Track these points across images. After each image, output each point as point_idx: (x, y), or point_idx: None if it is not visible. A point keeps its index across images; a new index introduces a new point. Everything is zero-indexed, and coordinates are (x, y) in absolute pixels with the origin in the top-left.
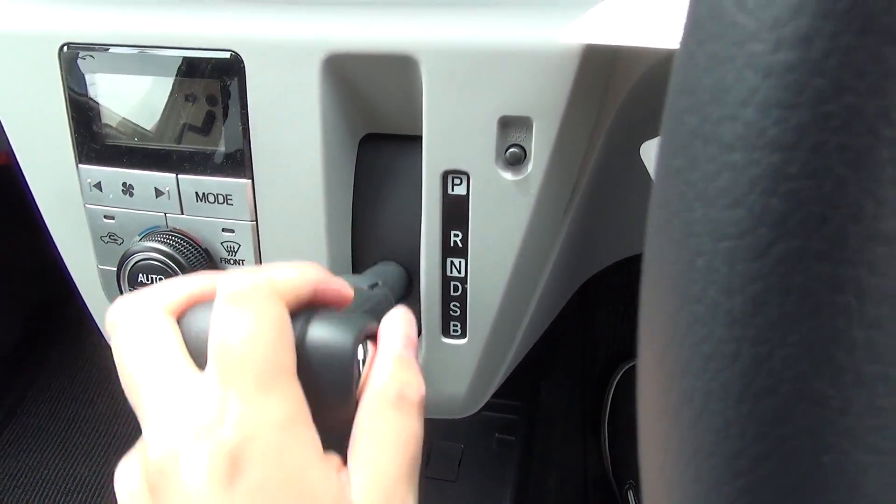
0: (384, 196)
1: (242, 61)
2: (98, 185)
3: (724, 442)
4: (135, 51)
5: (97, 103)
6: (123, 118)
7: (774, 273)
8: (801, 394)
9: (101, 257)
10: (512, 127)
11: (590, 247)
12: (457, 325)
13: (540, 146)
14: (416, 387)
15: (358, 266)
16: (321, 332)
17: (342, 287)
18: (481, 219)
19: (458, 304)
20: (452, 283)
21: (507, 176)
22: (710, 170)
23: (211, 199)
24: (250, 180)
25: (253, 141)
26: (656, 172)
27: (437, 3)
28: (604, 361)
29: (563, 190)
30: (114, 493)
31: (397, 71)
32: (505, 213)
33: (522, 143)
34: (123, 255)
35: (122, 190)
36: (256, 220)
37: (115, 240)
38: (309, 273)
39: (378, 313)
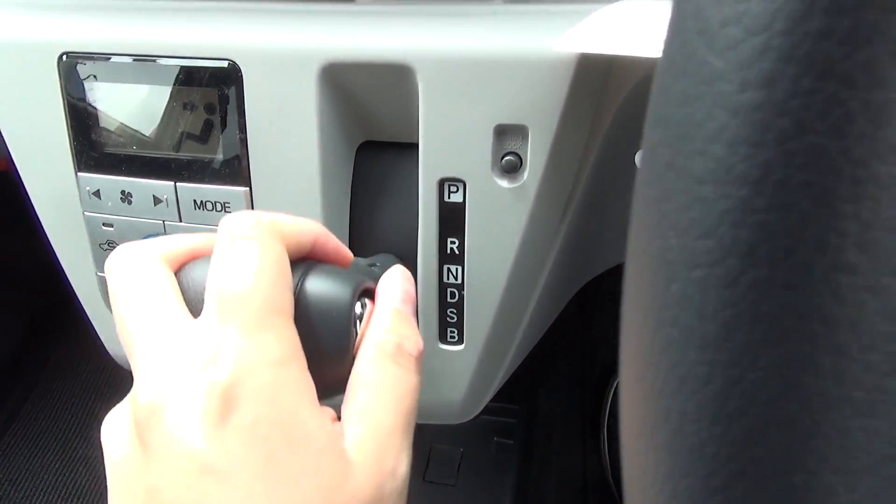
0: (381, 203)
1: (240, 70)
2: (97, 193)
3: (699, 461)
4: (133, 60)
5: (96, 111)
6: (122, 126)
7: (744, 301)
8: (771, 416)
9: (100, 264)
10: (508, 135)
11: (586, 252)
12: (454, 332)
13: (535, 154)
14: (413, 341)
15: None
16: (319, 284)
17: (342, 246)
18: (478, 226)
19: (454, 311)
20: (449, 289)
21: (504, 184)
22: (682, 201)
23: (209, 206)
24: (248, 188)
25: (251, 149)
26: (634, 200)
27: (433, 13)
28: (603, 364)
29: (558, 197)
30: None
31: (394, 80)
32: (501, 221)
33: (518, 151)
34: None
35: (121, 198)
36: None
37: (114, 247)
38: (311, 225)
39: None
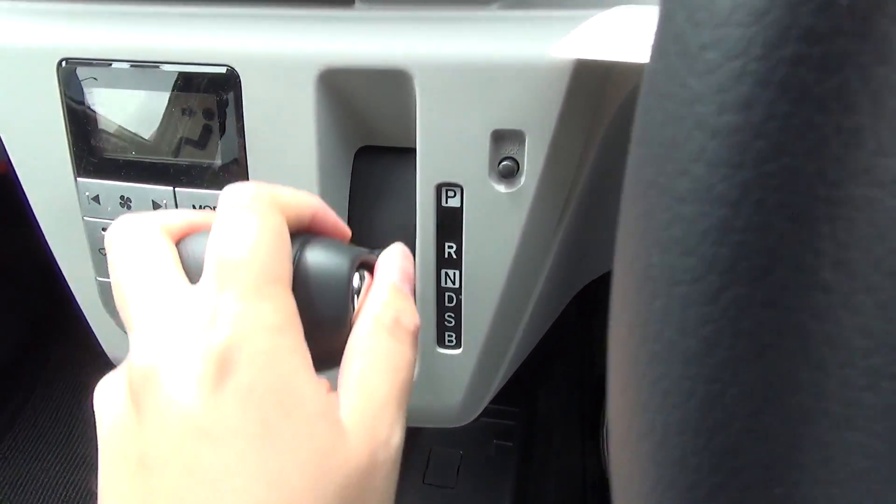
0: (379, 208)
1: (238, 76)
2: (96, 198)
3: (682, 473)
4: (132, 66)
5: (95, 117)
6: (121, 132)
7: (724, 317)
8: (752, 429)
9: (99, 269)
10: (505, 140)
11: (584, 256)
12: (451, 336)
13: (532, 159)
14: (411, 316)
15: None
16: (318, 255)
17: (340, 222)
18: (475, 231)
19: (452, 315)
20: (447, 293)
21: (501, 188)
22: (664, 219)
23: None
24: None
25: (249, 154)
26: (620, 216)
27: (431, 19)
28: (602, 367)
29: (556, 201)
30: None
31: (391, 85)
32: (498, 225)
33: (515, 156)
34: None
35: (120, 203)
36: None
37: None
38: (310, 199)
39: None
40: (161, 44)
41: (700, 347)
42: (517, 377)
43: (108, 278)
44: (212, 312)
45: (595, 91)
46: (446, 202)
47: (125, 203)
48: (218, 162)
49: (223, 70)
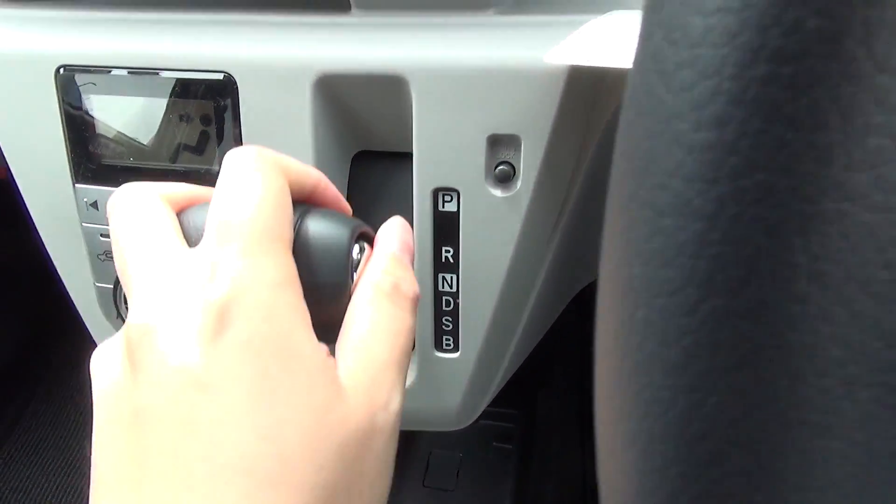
0: (376, 212)
1: (235, 82)
2: (94, 205)
3: (665, 481)
4: (130, 72)
5: (93, 124)
6: (119, 138)
7: (703, 328)
8: (733, 438)
9: (98, 275)
10: (501, 145)
11: (581, 259)
12: (449, 339)
13: (528, 163)
14: (410, 284)
15: None
16: (319, 223)
17: (341, 197)
18: (472, 235)
19: (449, 319)
20: (444, 297)
21: (497, 193)
22: (645, 232)
23: None
24: None
25: None
26: (604, 228)
27: (427, 25)
28: None
29: (552, 205)
30: None
31: (388, 90)
32: (495, 229)
33: (511, 161)
34: None
35: None
36: None
37: (111, 257)
38: (313, 171)
39: None
40: (158, 50)
41: (680, 358)
42: (516, 380)
43: (106, 283)
44: (211, 269)
45: (590, 96)
46: (443, 206)
47: None
48: (216, 168)
49: (220, 76)
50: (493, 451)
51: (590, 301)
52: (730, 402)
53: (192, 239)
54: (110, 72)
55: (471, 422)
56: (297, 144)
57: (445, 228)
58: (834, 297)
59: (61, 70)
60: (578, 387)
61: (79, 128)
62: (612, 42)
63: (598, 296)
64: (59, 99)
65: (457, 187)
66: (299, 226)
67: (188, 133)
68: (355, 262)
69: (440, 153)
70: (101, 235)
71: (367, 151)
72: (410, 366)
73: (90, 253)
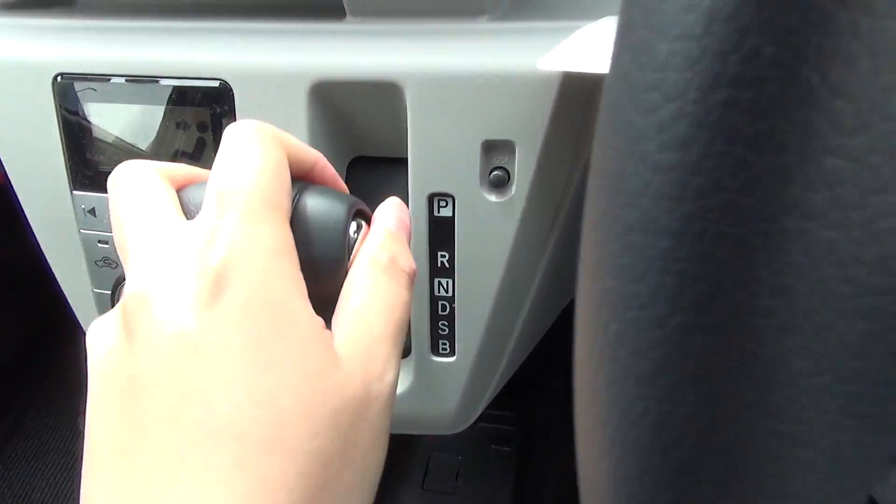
0: None
1: (231, 89)
2: (92, 211)
3: (641, 489)
4: (127, 80)
5: (91, 131)
6: (116, 145)
7: (672, 341)
8: (704, 447)
9: (96, 281)
10: (495, 150)
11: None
12: (445, 344)
13: (523, 169)
14: (407, 259)
15: None
16: (316, 198)
17: (339, 179)
18: (467, 240)
19: (446, 323)
20: (440, 302)
21: (492, 198)
22: (616, 247)
23: None
24: None
25: None
26: (581, 242)
27: (421, 31)
28: None
29: (547, 210)
30: None
31: (383, 97)
32: (490, 234)
33: (506, 166)
34: (118, 279)
35: None
36: None
37: (110, 264)
38: (313, 150)
39: None
40: (155, 58)
41: (651, 369)
42: (515, 382)
43: (104, 290)
44: (209, 236)
45: (584, 101)
46: (438, 212)
47: None
48: None
49: (216, 84)
50: (492, 454)
51: None
52: (700, 412)
53: (190, 214)
54: (109, 80)
55: (468, 425)
56: None
57: (441, 233)
58: (798, 311)
59: (58, 78)
60: None
61: (76, 135)
62: (604, 48)
63: (575, 308)
64: (56, 106)
65: (452, 192)
66: (297, 201)
67: (185, 140)
68: (352, 240)
69: (435, 159)
70: (100, 242)
71: (363, 157)
72: (407, 370)
73: (88, 259)
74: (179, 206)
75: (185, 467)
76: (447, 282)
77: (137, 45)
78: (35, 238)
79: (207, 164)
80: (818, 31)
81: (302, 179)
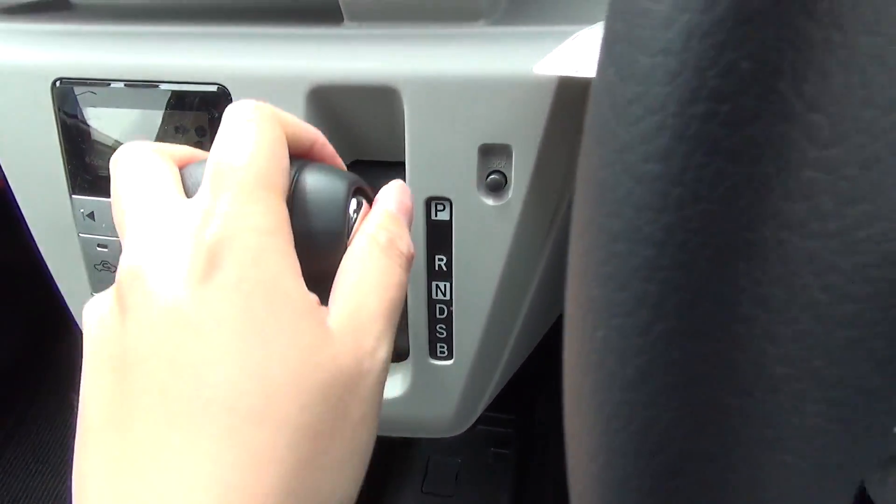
0: None
1: (229, 94)
2: (91, 215)
3: (626, 493)
4: (125, 85)
5: (90, 136)
6: (115, 149)
7: (655, 348)
8: (688, 452)
9: (95, 285)
10: (492, 154)
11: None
12: (443, 347)
13: (520, 173)
14: (406, 242)
15: None
16: (316, 175)
17: (339, 159)
18: (464, 243)
19: (444, 327)
20: (438, 305)
21: (489, 202)
22: (601, 256)
23: None
24: None
25: None
26: (569, 250)
27: (418, 35)
28: None
29: (544, 214)
30: None
31: (380, 101)
32: (487, 238)
33: (503, 170)
34: None
35: None
36: None
37: (109, 267)
38: (312, 129)
39: None
40: (153, 63)
41: (636, 375)
42: (514, 385)
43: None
44: (204, 215)
45: (580, 105)
46: (436, 215)
47: None
48: None
49: (214, 88)
50: (492, 457)
51: None
52: (683, 417)
53: (191, 192)
54: (108, 84)
55: (466, 428)
56: None
57: (438, 237)
58: (777, 319)
59: (57, 83)
60: None
61: (75, 140)
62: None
63: (564, 315)
64: (55, 111)
65: (449, 196)
66: (297, 178)
67: (183, 144)
68: (352, 218)
69: (432, 162)
70: (99, 246)
71: (361, 161)
72: (405, 373)
73: (87, 263)
74: (181, 184)
75: (173, 438)
76: (445, 285)
77: (136, 49)
78: (34, 243)
79: None
80: (792, 47)
81: (302, 158)
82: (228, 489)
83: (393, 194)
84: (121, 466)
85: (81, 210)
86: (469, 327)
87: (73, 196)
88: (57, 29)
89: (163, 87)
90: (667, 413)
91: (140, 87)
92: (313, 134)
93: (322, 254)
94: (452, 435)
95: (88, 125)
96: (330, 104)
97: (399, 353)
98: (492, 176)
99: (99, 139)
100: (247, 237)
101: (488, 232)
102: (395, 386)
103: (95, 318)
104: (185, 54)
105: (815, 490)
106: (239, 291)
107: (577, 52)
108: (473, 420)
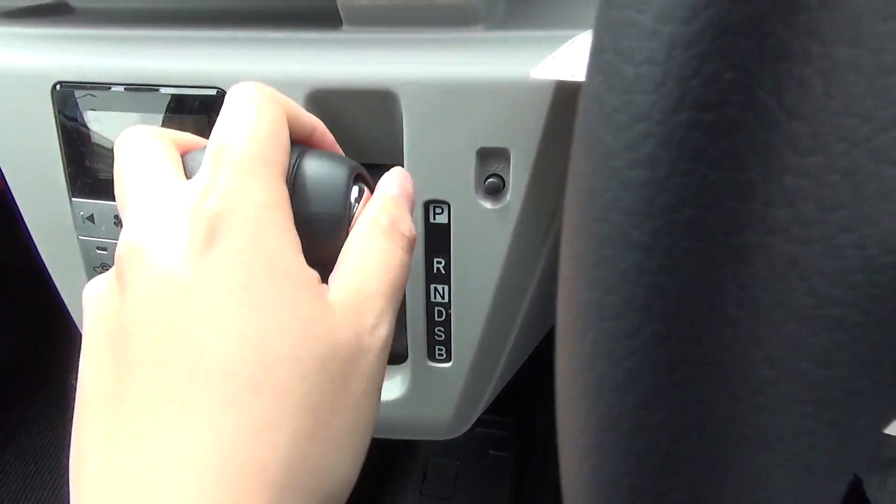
0: None
1: None
2: (90, 218)
3: (616, 494)
4: (125, 89)
5: (90, 139)
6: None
7: (644, 351)
8: (677, 452)
9: None
10: (490, 158)
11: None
12: (442, 349)
13: (518, 176)
14: (408, 224)
15: None
16: (317, 160)
17: (339, 147)
18: (463, 246)
19: (442, 329)
20: (436, 308)
21: (487, 205)
22: (590, 260)
23: None
24: None
25: None
26: (560, 254)
27: (416, 40)
28: None
29: (542, 217)
30: None
31: (378, 105)
32: (486, 241)
33: (501, 174)
34: None
35: (115, 222)
36: None
37: (108, 269)
38: (314, 117)
39: None
40: (153, 67)
41: (625, 378)
42: (512, 388)
43: None
44: (203, 190)
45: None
46: (434, 219)
47: (119, 222)
48: None
49: (213, 92)
50: (491, 459)
51: None
52: (672, 419)
53: (192, 176)
54: (108, 88)
55: (464, 431)
56: None
57: (437, 240)
58: (763, 322)
59: (57, 87)
60: None
61: (75, 143)
62: None
63: (556, 318)
64: (55, 114)
65: (447, 199)
66: (298, 163)
67: None
68: (354, 206)
69: (430, 166)
70: (98, 248)
71: (361, 164)
72: (403, 376)
73: (87, 266)
74: (181, 167)
75: (171, 406)
76: (443, 288)
77: (136, 53)
78: (33, 245)
79: None
80: (773, 57)
81: (302, 144)
82: (227, 459)
83: (394, 179)
84: (118, 438)
85: (81, 213)
86: (467, 330)
87: (73, 199)
88: (57, 33)
89: (162, 90)
90: (656, 415)
91: (140, 90)
92: (313, 121)
93: (323, 238)
94: (451, 437)
95: (88, 128)
96: (328, 108)
97: (397, 356)
98: (490, 179)
99: (99, 142)
100: (247, 210)
101: (486, 235)
102: (394, 388)
103: (94, 295)
104: (185, 58)
105: (805, 490)
106: (238, 262)
107: (574, 57)
108: (472, 422)
